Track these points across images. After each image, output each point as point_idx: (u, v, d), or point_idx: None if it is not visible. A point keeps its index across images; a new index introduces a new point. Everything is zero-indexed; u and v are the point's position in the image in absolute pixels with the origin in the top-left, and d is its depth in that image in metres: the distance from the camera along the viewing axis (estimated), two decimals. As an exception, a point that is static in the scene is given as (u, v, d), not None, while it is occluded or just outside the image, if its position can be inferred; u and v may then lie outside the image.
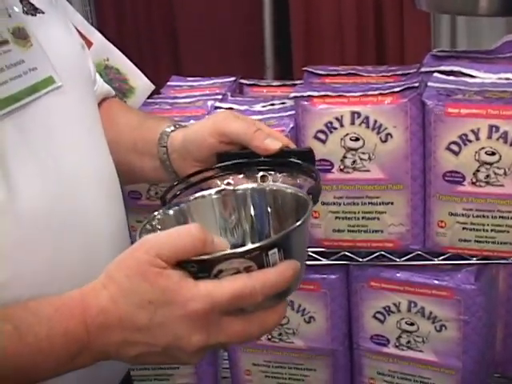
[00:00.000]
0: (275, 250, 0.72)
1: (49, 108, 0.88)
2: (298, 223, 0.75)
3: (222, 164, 0.97)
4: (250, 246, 0.73)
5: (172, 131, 1.06)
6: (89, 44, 1.27)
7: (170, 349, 0.74)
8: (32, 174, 0.83)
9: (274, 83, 1.51)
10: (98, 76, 1.13)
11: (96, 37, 1.27)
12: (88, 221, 0.90)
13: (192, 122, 1.22)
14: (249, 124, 0.97)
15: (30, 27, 0.88)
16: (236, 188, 0.90)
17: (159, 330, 0.72)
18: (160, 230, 0.82)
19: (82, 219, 0.89)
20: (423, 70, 1.31)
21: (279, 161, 0.93)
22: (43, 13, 0.93)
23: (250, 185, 0.91)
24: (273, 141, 0.94)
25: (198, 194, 0.90)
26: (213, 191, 0.90)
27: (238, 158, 0.96)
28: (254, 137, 0.94)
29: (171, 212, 0.86)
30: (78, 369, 0.77)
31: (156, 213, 0.84)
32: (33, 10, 0.91)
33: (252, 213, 0.90)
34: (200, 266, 0.72)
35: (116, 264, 0.75)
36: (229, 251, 0.73)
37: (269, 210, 0.90)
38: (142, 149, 1.08)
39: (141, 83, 1.28)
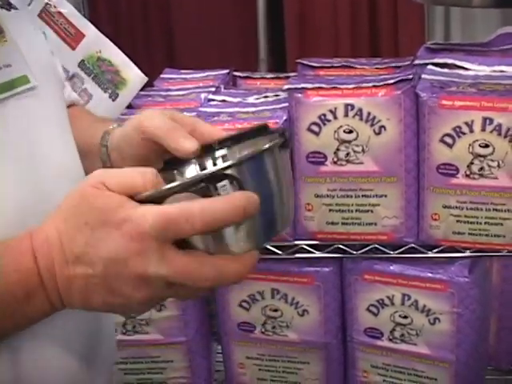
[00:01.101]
0: (225, 181, 0.65)
1: (22, 108, 0.83)
2: (251, 153, 0.68)
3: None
4: (191, 178, 0.67)
5: (114, 129, 0.97)
6: (81, 36, 1.27)
7: (109, 278, 0.68)
8: (7, 173, 0.80)
9: (268, 75, 1.51)
10: (66, 83, 1.10)
11: (88, 29, 1.27)
12: None
13: None
14: (166, 122, 0.86)
15: (4, 21, 0.83)
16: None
17: (95, 255, 0.67)
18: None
19: None
20: (417, 62, 1.31)
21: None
22: (17, 9, 0.87)
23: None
24: (188, 140, 0.83)
25: None
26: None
27: None
28: (168, 136, 0.84)
29: None
30: (39, 317, 0.72)
31: None
32: (7, 5, 0.86)
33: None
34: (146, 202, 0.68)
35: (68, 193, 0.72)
36: (171, 185, 0.66)
37: None
38: (88, 152, 0.99)
39: (133, 75, 1.27)
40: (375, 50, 2.26)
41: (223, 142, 0.83)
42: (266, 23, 2.31)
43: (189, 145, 0.82)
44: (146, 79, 1.28)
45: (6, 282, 0.70)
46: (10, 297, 0.71)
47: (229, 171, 0.65)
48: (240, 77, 1.51)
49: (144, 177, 0.68)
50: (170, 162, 0.85)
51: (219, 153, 0.83)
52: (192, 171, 0.83)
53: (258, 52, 2.32)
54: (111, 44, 1.27)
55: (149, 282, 0.67)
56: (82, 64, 1.27)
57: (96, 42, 1.27)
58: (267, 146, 0.68)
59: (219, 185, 0.65)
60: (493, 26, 2.00)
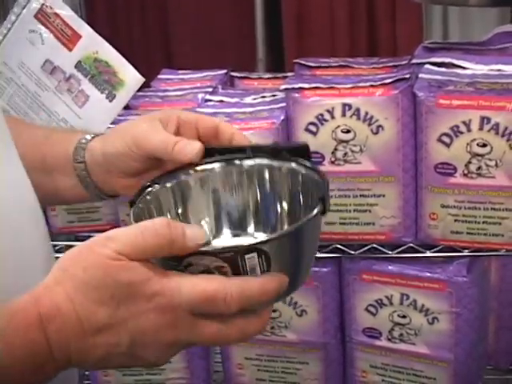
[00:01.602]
0: (254, 254, 0.64)
1: None
2: (288, 229, 0.69)
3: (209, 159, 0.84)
4: (221, 246, 0.68)
5: (88, 142, 0.91)
6: (78, 37, 1.27)
7: (136, 347, 0.66)
8: None
9: (265, 76, 1.51)
10: None
11: (85, 30, 1.26)
12: (13, 242, 0.78)
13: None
14: (168, 139, 0.83)
15: None
16: (244, 162, 0.82)
17: (122, 327, 0.65)
18: (155, 208, 0.78)
19: (6, 240, 0.77)
20: (414, 61, 1.31)
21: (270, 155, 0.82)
22: None
23: (263, 160, 0.82)
24: (192, 145, 0.82)
25: (200, 167, 0.82)
26: (217, 165, 0.82)
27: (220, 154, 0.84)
28: (174, 150, 0.81)
29: (169, 185, 0.80)
30: (44, 381, 0.68)
31: (149, 187, 0.79)
32: None
33: (258, 194, 0.82)
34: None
35: (70, 257, 0.67)
36: (199, 250, 0.65)
37: (281, 191, 0.81)
38: (52, 167, 0.94)
39: (130, 76, 1.27)
40: (373, 49, 2.26)
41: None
42: (263, 23, 2.31)
43: (190, 150, 0.81)
44: (142, 80, 1.28)
45: (12, 356, 0.65)
46: (16, 370, 0.66)
47: (263, 247, 0.65)
48: (237, 77, 1.50)
49: (158, 237, 0.65)
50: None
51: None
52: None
53: (256, 52, 2.32)
54: (108, 45, 1.27)
55: (176, 348, 0.68)
56: (78, 65, 1.27)
57: (93, 43, 1.27)
58: (302, 221, 0.68)
59: (247, 256, 0.65)
60: (490, 24, 2.00)
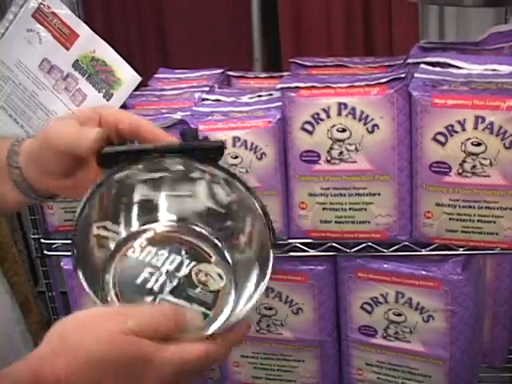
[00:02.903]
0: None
1: None
2: (239, 316, 0.73)
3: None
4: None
5: (20, 146, 0.88)
6: (75, 36, 1.27)
7: None
8: None
9: (262, 75, 1.52)
10: None
11: (83, 29, 1.27)
12: None
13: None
14: (80, 131, 0.80)
15: None
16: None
17: None
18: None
19: None
20: (410, 61, 1.31)
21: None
22: None
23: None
24: (90, 133, 0.79)
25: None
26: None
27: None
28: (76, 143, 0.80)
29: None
30: None
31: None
32: None
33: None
34: None
35: (74, 324, 0.69)
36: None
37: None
38: None
39: (127, 75, 1.27)
40: (369, 48, 2.27)
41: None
42: (260, 23, 2.32)
43: (89, 137, 0.78)
44: (140, 79, 1.28)
45: None
46: None
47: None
48: (234, 76, 1.51)
49: (166, 319, 0.70)
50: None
51: None
52: None
53: (253, 51, 2.32)
54: (105, 44, 1.27)
55: None
56: (76, 64, 1.28)
57: (90, 42, 1.27)
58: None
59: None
60: (486, 25, 2.01)
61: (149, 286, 0.76)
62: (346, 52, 2.21)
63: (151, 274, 0.77)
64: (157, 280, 0.76)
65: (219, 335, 0.71)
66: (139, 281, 0.76)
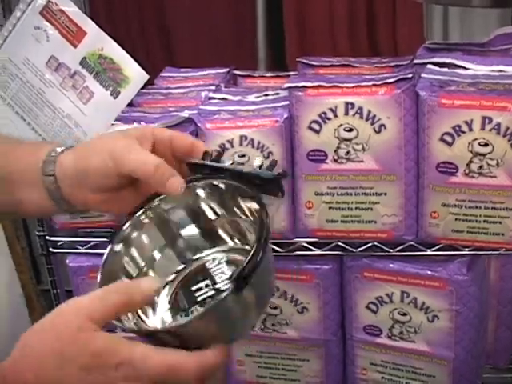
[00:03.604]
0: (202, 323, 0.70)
1: None
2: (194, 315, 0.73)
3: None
4: (168, 327, 0.75)
5: (58, 155, 0.89)
6: (83, 34, 1.27)
7: None
8: None
9: (268, 74, 1.52)
10: None
11: (90, 26, 1.27)
12: None
13: (120, 127, 1.21)
14: (148, 158, 0.82)
15: None
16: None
17: None
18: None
19: None
20: (416, 61, 1.32)
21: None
22: None
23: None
24: (176, 180, 0.81)
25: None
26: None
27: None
28: (154, 177, 0.81)
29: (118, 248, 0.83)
30: None
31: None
32: None
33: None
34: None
35: (38, 330, 0.69)
36: (150, 329, 0.74)
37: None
38: (19, 179, 0.90)
39: (135, 73, 1.27)
40: (374, 49, 2.27)
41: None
42: (264, 22, 2.32)
43: (176, 185, 0.81)
44: (147, 77, 1.28)
45: None
46: None
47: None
48: (240, 75, 1.51)
49: (118, 293, 0.70)
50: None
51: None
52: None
53: (257, 51, 2.32)
54: (113, 42, 1.27)
55: None
56: (83, 62, 1.27)
57: (98, 39, 1.27)
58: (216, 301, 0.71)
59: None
60: (491, 26, 2.01)
61: None
62: (350, 52, 2.21)
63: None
64: None
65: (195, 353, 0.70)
66: None
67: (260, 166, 0.82)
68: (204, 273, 0.82)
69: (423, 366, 1.34)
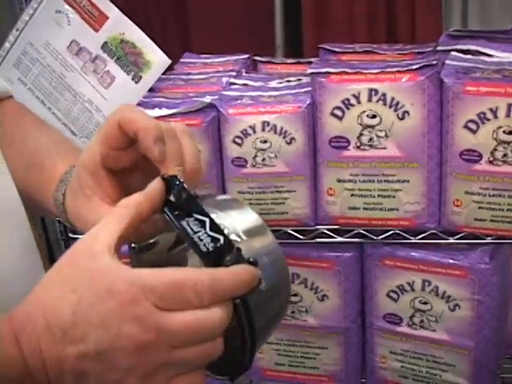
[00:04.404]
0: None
1: None
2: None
3: None
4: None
5: (63, 205, 0.79)
6: (105, 18, 1.27)
7: (103, 351, 0.59)
8: None
9: (289, 60, 1.51)
10: None
11: (112, 11, 1.26)
12: None
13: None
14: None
15: None
16: None
17: (86, 325, 0.59)
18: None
19: None
20: (439, 48, 1.30)
21: None
22: None
23: None
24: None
25: None
26: None
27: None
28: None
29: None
30: None
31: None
32: None
33: None
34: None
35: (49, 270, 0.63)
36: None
37: None
38: (40, 201, 0.84)
39: (157, 58, 1.27)
40: (392, 37, 2.25)
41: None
42: (282, 10, 2.30)
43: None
44: (169, 62, 1.28)
45: None
46: None
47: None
48: (260, 61, 1.50)
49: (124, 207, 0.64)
50: None
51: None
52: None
53: (275, 39, 2.31)
54: (135, 26, 1.27)
55: (146, 352, 0.59)
56: (104, 46, 1.27)
57: (119, 24, 1.27)
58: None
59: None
60: (510, 14, 1.99)
61: None
62: (368, 40, 2.19)
63: None
64: None
65: (206, 268, 0.60)
66: None
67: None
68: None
69: (443, 355, 1.33)
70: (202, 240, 0.61)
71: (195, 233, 0.62)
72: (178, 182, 0.67)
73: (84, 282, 0.60)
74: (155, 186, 0.66)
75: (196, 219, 0.63)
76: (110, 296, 0.59)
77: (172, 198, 0.66)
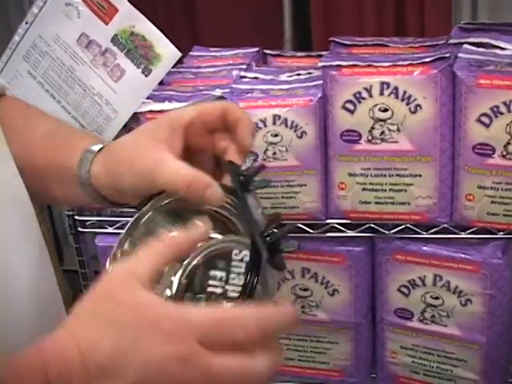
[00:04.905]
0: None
1: None
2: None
3: None
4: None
5: (94, 157, 0.83)
6: (114, 10, 1.26)
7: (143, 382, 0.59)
8: None
9: (299, 54, 1.50)
10: None
11: (122, 3, 1.25)
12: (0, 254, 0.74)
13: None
14: (179, 177, 0.74)
15: None
16: None
17: (126, 359, 0.58)
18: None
19: None
20: (452, 41, 1.29)
21: None
22: None
23: None
24: (213, 192, 0.73)
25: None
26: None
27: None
28: (190, 191, 0.73)
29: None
30: None
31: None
32: None
33: None
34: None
35: (83, 299, 0.63)
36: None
37: None
38: (57, 176, 0.86)
39: (167, 51, 1.26)
40: (400, 30, 2.24)
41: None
42: (291, 4, 2.29)
43: (215, 197, 0.73)
44: (179, 55, 1.27)
45: None
46: None
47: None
48: (270, 55, 1.49)
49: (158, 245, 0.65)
50: None
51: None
52: None
53: (284, 32, 2.30)
54: (145, 19, 1.26)
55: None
56: (114, 39, 1.26)
57: (129, 16, 1.26)
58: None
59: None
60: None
61: None
62: (377, 33, 2.18)
63: None
64: None
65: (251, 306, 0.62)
66: None
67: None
68: (226, 260, 0.77)
69: (454, 350, 1.32)
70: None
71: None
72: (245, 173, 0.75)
73: (125, 318, 0.59)
74: (198, 231, 0.67)
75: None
76: (154, 332, 0.58)
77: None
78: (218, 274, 0.71)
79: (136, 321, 0.59)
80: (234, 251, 0.73)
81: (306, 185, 1.24)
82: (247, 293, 0.64)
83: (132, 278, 0.61)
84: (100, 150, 0.83)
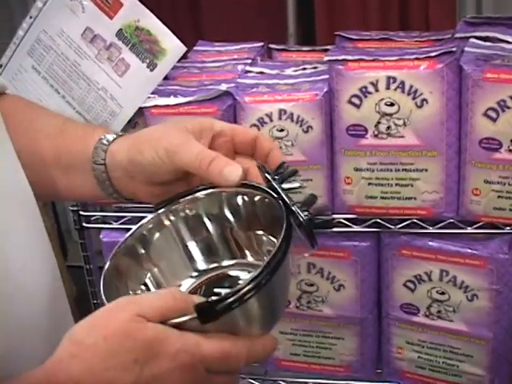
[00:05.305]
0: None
1: None
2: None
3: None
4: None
5: (109, 144, 0.85)
6: (119, 5, 1.25)
7: None
8: None
9: (304, 48, 1.49)
10: None
11: (127, -3, 1.25)
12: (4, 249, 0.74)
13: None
14: (203, 151, 0.78)
15: None
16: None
17: None
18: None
19: None
20: (458, 35, 1.28)
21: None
22: None
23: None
24: (233, 169, 0.76)
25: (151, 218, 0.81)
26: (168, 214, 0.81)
27: None
28: (210, 170, 0.76)
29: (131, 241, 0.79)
30: None
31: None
32: None
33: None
34: None
35: (84, 328, 0.65)
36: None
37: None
38: (67, 163, 0.88)
39: (173, 45, 1.25)
40: (405, 24, 2.23)
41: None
42: (295, -2, 2.29)
43: (233, 174, 0.76)
44: (185, 49, 1.26)
45: None
46: None
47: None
48: (275, 49, 1.49)
49: (175, 299, 0.67)
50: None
51: None
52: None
53: (287, 27, 2.30)
54: (150, 13, 1.25)
55: None
56: (119, 33, 1.25)
57: (134, 11, 1.25)
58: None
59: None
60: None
61: None
62: (380, 28, 2.17)
63: None
64: None
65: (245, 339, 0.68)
66: None
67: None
68: (231, 282, 0.80)
69: (461, 345, 1.32)
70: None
71: (293, 204, 0.72)
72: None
73: (144, 353, 0.63)
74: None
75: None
76: (173, 366, 0.64)
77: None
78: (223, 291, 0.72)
79: (156, 355, 0.63)
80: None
81: (311, 179, 1.24)
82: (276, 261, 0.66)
83: (144, 314, 0.65)
84: (114, 139, 0.86)
